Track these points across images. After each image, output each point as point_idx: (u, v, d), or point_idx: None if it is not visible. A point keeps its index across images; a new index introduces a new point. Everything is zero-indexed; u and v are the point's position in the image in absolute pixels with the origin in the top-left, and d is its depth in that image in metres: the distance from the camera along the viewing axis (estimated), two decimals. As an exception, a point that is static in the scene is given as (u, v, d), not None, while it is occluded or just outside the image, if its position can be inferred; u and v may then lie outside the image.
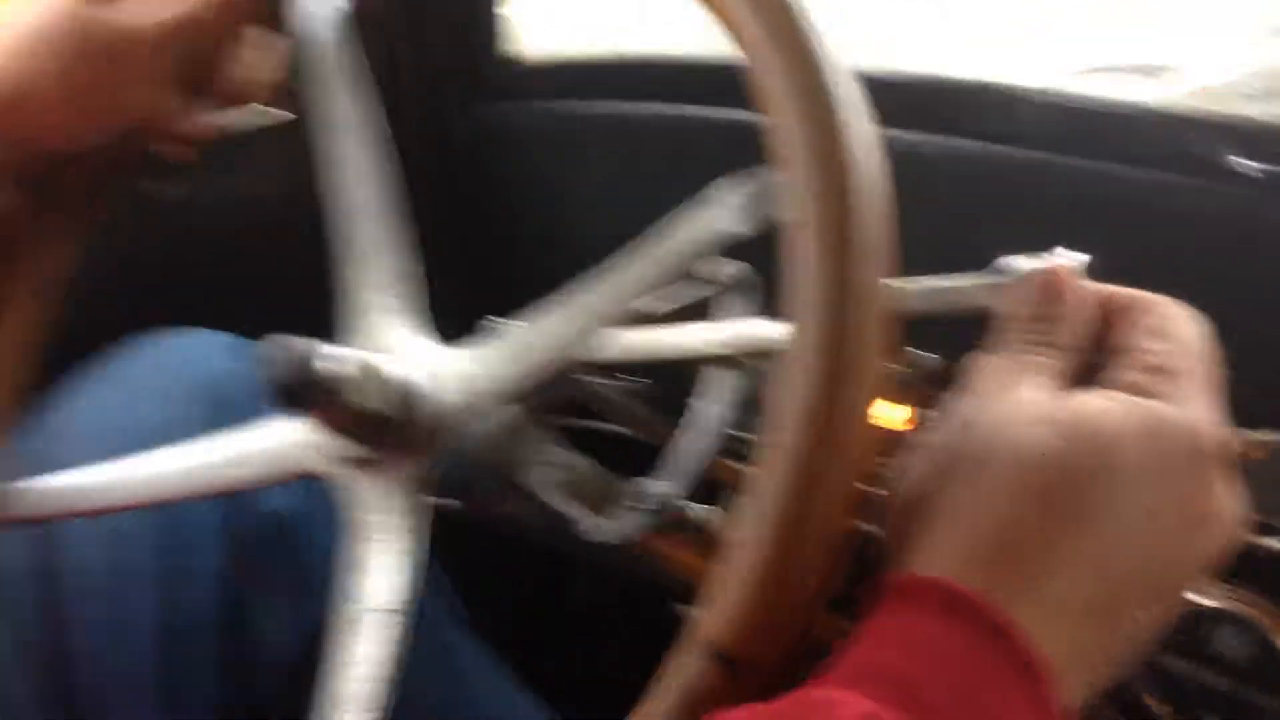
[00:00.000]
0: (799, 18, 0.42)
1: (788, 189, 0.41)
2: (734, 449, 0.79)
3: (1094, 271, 0.61)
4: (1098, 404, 0.39)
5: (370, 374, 0.49)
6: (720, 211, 0.46)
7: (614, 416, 0.67)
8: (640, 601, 0.74)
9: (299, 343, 0.47)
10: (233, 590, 0.72)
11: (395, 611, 0.48)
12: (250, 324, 0.81)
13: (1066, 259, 0.44)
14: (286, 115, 0.82)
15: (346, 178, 0.56)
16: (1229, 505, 0.41)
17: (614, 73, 0.86)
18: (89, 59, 0.55)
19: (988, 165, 0.65)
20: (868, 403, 0.39)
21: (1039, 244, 0.66)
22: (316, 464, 0.52)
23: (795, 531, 0.38)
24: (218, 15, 0.58)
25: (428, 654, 0.80)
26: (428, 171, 0.91)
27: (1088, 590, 0.37)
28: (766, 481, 0.38)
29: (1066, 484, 0.38)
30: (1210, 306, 0.61)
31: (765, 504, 0.38)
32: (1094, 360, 0.42)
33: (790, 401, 0.38)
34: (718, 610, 0.38)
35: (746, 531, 0.38)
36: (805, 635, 0.39)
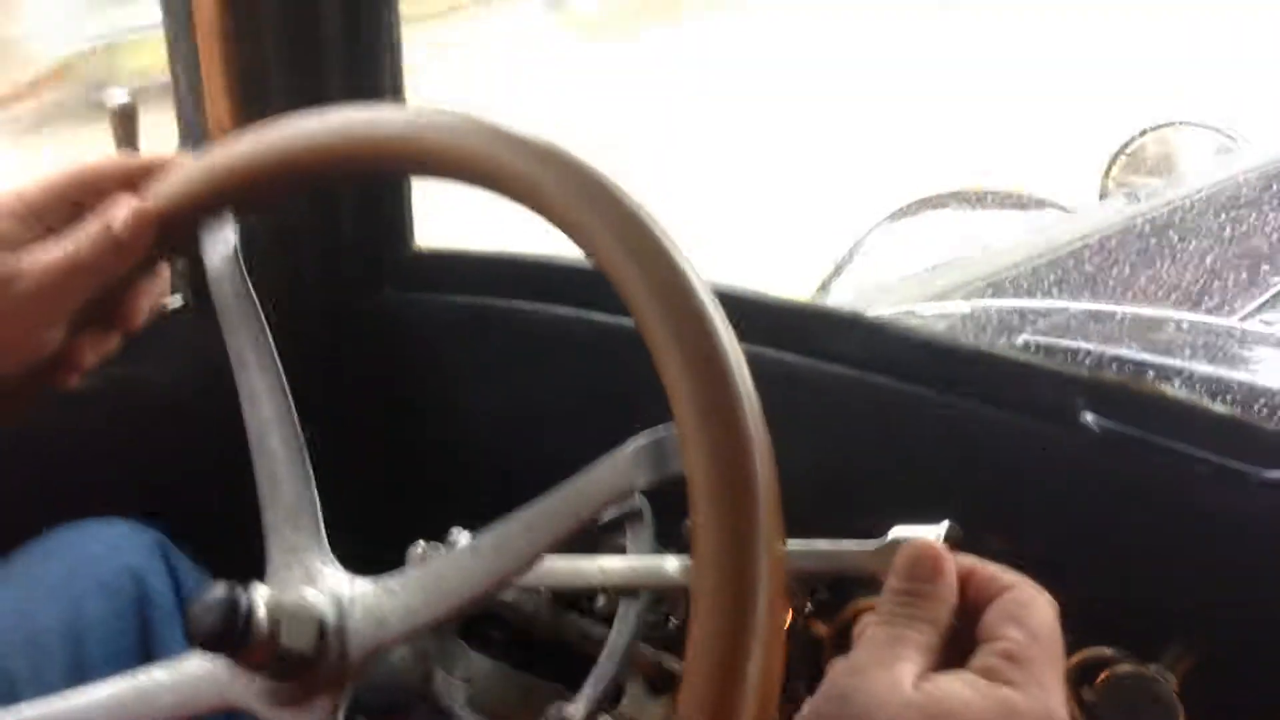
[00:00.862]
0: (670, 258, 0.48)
1: (686, 447, 0.45)
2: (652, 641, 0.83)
3: (955, 505, 0.67)
4: (960, 694, 0.44)
5: (293, 615, 0.52)
6: (623, 467, 0.49)
7: (527, 623, 0.70)
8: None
9: (227, 592, 0.49)
10: None
11: None
12: (164, 510, 0.83)
13: (939, 530, 0.49)
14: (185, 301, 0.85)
15: (255, 413, 0.58)
16: None
17: (518, 271, 0.90)
18: None
19: (860, 392, 0.71)
20: (776, 631, 0.44)
21: (905, 472, 0.73)
22: (239, 699, 0.54)
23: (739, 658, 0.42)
24: (108, 257, 0.60)
25: None
26: (337, 365, 0.93)
27: None
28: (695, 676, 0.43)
29: None
30: (1060, 544, 0.68)
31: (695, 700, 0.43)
32: (956, 626, 0.47)
33: (703, 651, 0.43)
34: (690, 699, 0.42)
35: (697, 651, 0.43)
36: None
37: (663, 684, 0.83)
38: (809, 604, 0.74)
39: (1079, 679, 0.66)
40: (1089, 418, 0.60)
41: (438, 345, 0.94)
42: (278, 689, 0.53)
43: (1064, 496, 0.64)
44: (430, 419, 0.96)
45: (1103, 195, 2.09)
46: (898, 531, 0.49)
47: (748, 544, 0.44)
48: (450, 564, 0.53)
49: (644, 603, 0.63)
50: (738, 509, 0.45)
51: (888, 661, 0.45)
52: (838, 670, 0.46)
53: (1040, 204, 1.95)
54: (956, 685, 0.45)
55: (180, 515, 0.82)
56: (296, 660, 0.52)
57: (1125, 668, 0.62)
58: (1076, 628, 0.66)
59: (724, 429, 0.46)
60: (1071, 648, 0.67)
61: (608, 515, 0.64)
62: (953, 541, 0.50)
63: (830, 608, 0.74)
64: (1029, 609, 0.47)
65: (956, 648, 0.48)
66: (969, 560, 0.49)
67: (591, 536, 0.65)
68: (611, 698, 0.65)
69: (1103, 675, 0.63)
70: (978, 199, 1.97)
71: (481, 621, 0.70)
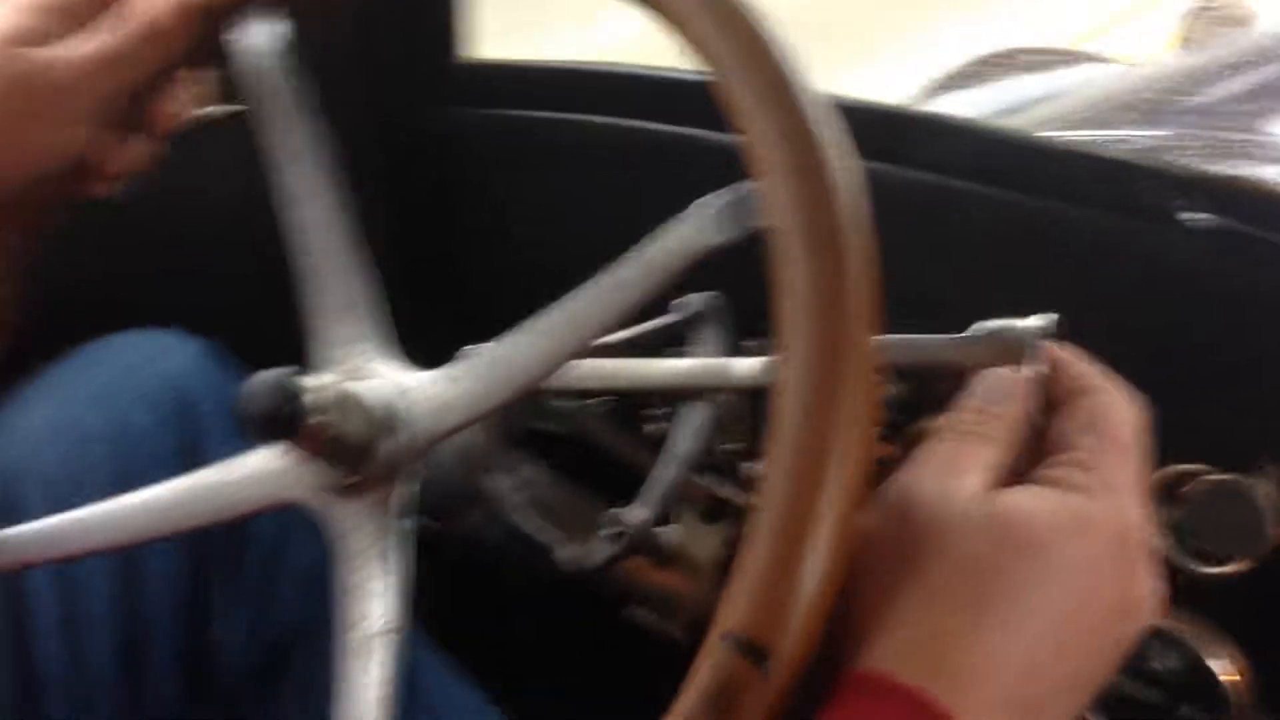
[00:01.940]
0: (765, 36, 0.45)
1: (771, 198, 0.43)
2: (704, 470, 0.82)
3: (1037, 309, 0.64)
4: (1027, 505, 0.42)
5: (349, 401, 0.51)
6: (697, 225, 0.46)
7: (585, 435, 0.69)
8: (609, 613, 0.76)
9: (279, 375, 0.48)
10: (191, 594, 0.73)
11: (394, 631, 0.50)
12: (208, 321, 0.82)
13: (1039, 322, 0.46)
14: (231, 109, 0.83)
15: (301, 210, 0.56)
16: (1148, 590, 0.44)
17: (575, 82, 0.87)
18: (7, 98, 0.55)
19: (937, 198, 0.68)
20: (869, 396, 0.41)
21: (988, 279, 0.70)
22: (297, 493, 0.53)
23: (810, 517, 0.40)
24: (144, 48, 0.58)
25: None
26: (385, 183, 0.91)
27: (1020, 688, 0.41)
28: (776, 474, 0.40)
29: (998, 591, 0.41)
30: (1147, 348, 0.65)
31: (777, 494, 0.40)
32: (1032, 443, 0.45)
33: (788, 405, 0.41)
34: (740, 601, 0.40)
35: (762, 521, 0.40)
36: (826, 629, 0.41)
37: (717, 513, 0.82)
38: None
39: (1166, 495, 0.64)
40: (1190, 215, 0.57)
41: (489, 158, 0.92)
42: (334, 480, 0.52)
43: (1163, 300, 0.61)
44: (481, 235, 0.94)
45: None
46: (996, 322, 0.47)
47: (839, 301, 0.41)
48: (511, 347, 0.51)
49: (708, 410, 0.61)
50: (827, 261, 0.42)
51: (949, 474, 0.44)
52: (895, 484, 0.44)
53: (1105, 60, 1.88)
54: (1023, 497, 0.43)
55: (226, 326, 0.81)
56: (353, 448, 0.51)
57: (1219, 477, 0.60)
58: (1170, 442, 0.64)
59: (813, 178, 0.43)
60: (1162, 463, 0.65)
61: (671, 318, 0.62)
62: (1053, 334, 0.48)
63: (899, 429, 0.73)
64: (1108, 416, 0.45)
65: (1032, 458, 0.46)
66: (1060, 355, 0.47)
67: (660, 344, 0.63)
68: (666, 521, 0.63)
69: (1192, 487, 0.61)
70: (1039, 57, 1.90)
71: (537, 438, 0.68)
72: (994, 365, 0.46)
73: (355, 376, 0.54)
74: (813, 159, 0.43)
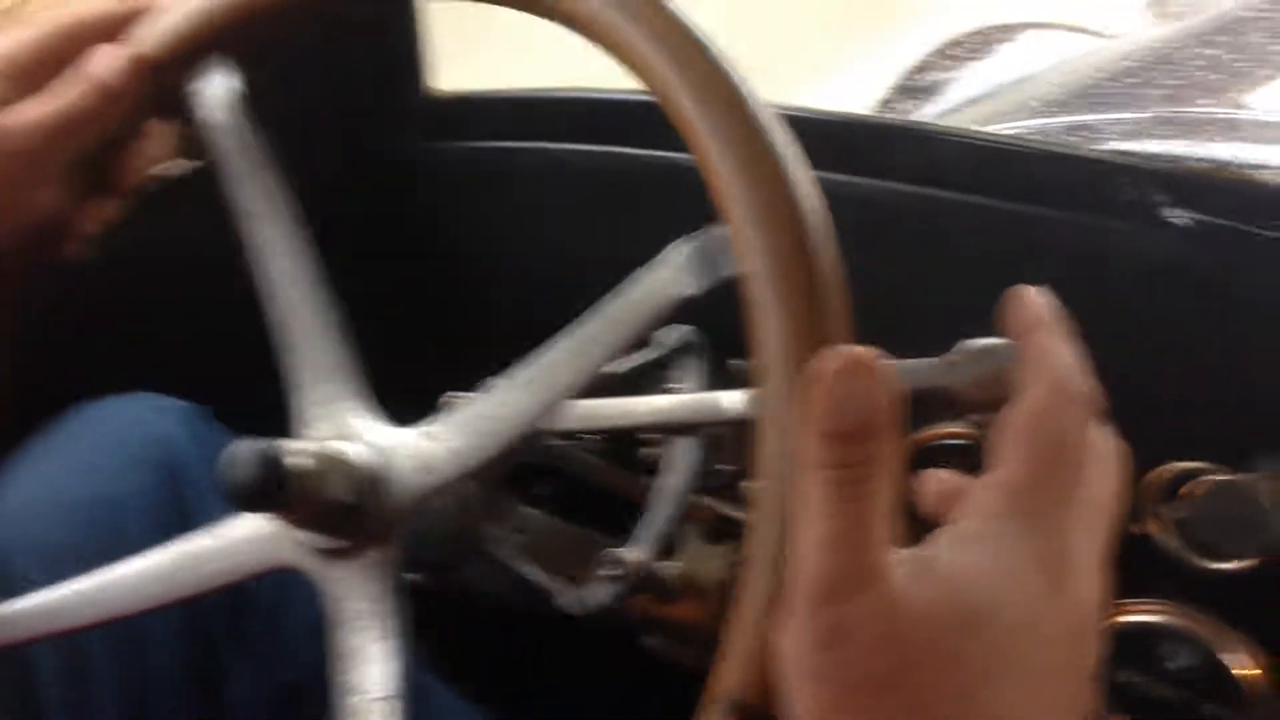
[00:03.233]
0: (715, 58, 0.44)
1: (740, 245, 0.42)
2: (704, 491, 0.81)
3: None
4: (946, 563, 0.37)
5: (333, 466, 0.50)
6: (669, 273, 0.46)
7: (578, 471, 0.68)
8: (621, 642, 0.76)
9: (258, 444, 0.47)
10: (196, 656, 0.72)
11: (394, 697, 0.49)
12: (190, 384, 0.81)
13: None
14: (195, 164, 0.83)
15: (270, 265, 0.56)
16: (1091, 610, 0.39)
17: (547, 109, 0.86)
18: None
19: (913, 208, 0.67)
20: None
21: (969, 290, 0.69)
22: (288, 558, 0.53)
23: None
24: (99, 106, 0.58)
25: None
26: (356, 226, 0.91)
27: None
28: (764, 535, 0.40)
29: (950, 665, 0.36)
30: (1143, 349, 0.65)
31: (765, 557, 0.40)
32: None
33: (771, 456, 0.40)
34: (732, 665, 0.40)
35: (751, 584, 0.40)
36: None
37: (721, 532, 0.82)
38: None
39: (1167, 494, 0.63)
40: (1173, 212, 0.56)
41: (462, 193, 0.91)
42: (327, 544, 0.52)
43: (1149, 301, 0.60)
44: (459, 270, 0.93)
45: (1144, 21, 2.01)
46: (981, 341, 0.46)
47: (814, 344, 0.41)
48: (492, 401, 0.51)
49: (697, 445, 0.60)
50: (800, 305, 0.42)
51: (865, 565, 0.36)
52: (811, 593, 0.36)
53: (1078, 30, 1.87)
54: (952, 553, 0.37)
55: (208, 387, 0.80)
56: (342, 512, 0.51)
57: (1219, 477, 0.59)
58: (1165, 441, 0.64)
59: (782, 223, 0.42)
60: (1157, 461, 0.65)
61: (657, 350, 0.61)
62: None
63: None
64: (1038, 419, 0.39)
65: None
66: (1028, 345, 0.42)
67: (643, 378, 0.63)
68: (669, 548, 0.63)
69: (1195, 486, 0.60)
70: (1007, 33, 1.89)
71: (529, 477, 0.68)
72: (980, 387, 0.45)
73: (337, 438, 0.54)
74: (779, 202, 0.42)
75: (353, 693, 0.49)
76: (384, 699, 0.49)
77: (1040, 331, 0.42)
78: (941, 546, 0.37)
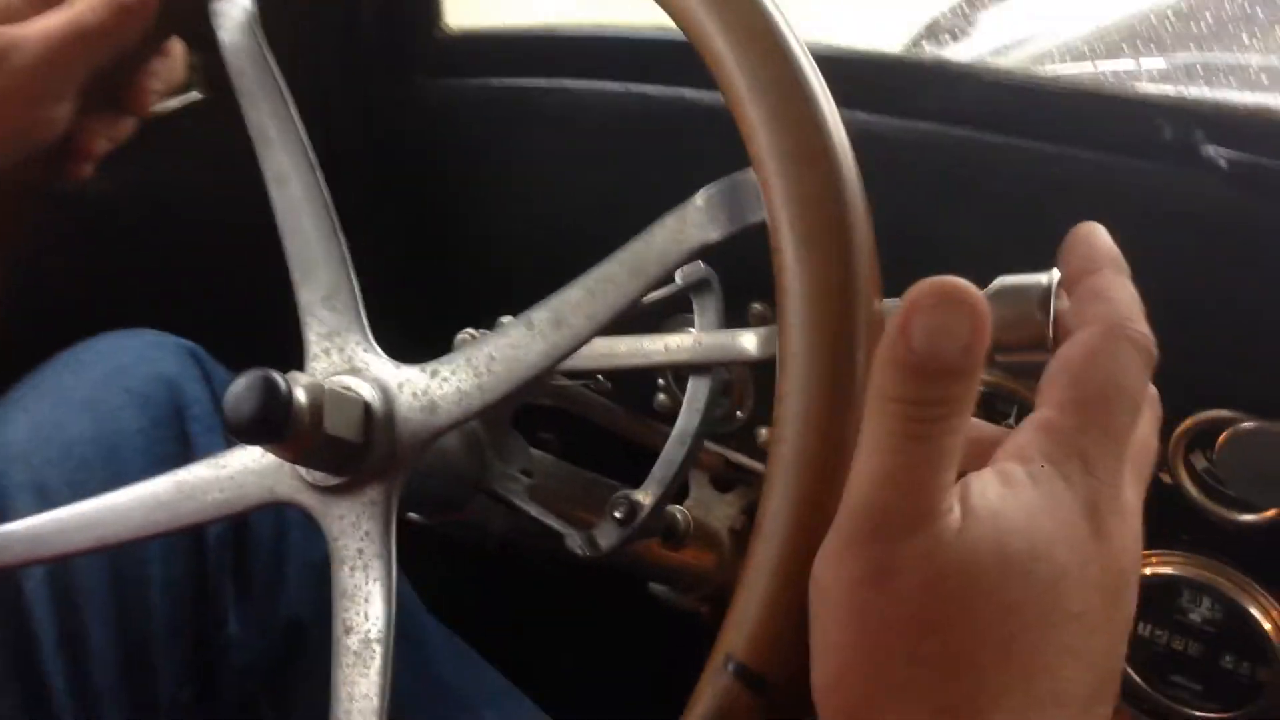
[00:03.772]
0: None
1: (768, 191, 0.41)
2: (717, 438, 0.80)
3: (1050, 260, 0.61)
4: (991, 508, 0.35)
5: (338, 401, 0.49)
6: (692, 220, 0.45)
7: (590, 413, 0.67)
8: (629, 589, 0.75)
9: (265, 375, 0.46)
10: (196, 597, 0.72)
11: (387, 636, 0.49)
12: (191, 320, 0.80)
13: (1046, 278, 0.43)
14: (202, 95, 0.81)
15: (283, 194, 0.55)
16: (1135, 559, 0.38)
17: (563, 46, 0.84)
18: None
19: (946, 148, 0.65)
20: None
21: (1000, 231, 0.68)
22: (287, 493, 0.52)
23: (811, 540, 0.38)
24: (116, 20, 0.57)
25: (399, 637, 0.81)
26: (369, 160, 0.89)
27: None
28: (777, 493, 0.39)
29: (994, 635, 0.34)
30: (1176, 294, 0.63)
31: (778, 516, 0.39)
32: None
33: (791, 409, 0.39)
34: (739, 626, 0.39)
35: (761, 544, 0.39)
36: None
37: (730, 480, 0.81)
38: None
39: (1195, 443, 0.62)
40: (1213, 151, 0.54)
41: (476, 131, 0.89)
42: (326, 480, 0.51)
43: (1182, 244, 0.58)
44: (473, 210, 0.92)
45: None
46: (1002, 281, 0.44)
47: (843, 293, 0.40)
48: (503, 343, 0.50)
49: (712, 386, 0.59)
50: (829, 255, 0.40)
51: (923, 504, 0.34)
52: (863, 524, 0.35)
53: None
54: (1005, 503, 0.35)
55: (215, 323, 0.79)
56: (344, 449, 0.49)
57: (1248, 425, 0.58)
58: (1193, 389, 0.62)
59: (812, 168, 0.41)
60: (1184, 410, 0.63)
61: (672, 287, 0.60)
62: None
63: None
64: (1094, 360, 0.37)
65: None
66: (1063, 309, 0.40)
67: (654, 318, 0.61)
68: (678, 495, 0.62)
69: (1222, 435, 0.59)
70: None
71: (538, 419, 0.67)
72: (1012, 328, 0.43)
73: (345, 372, 0.53)
74: (809, 148, 0.41)
75: (349, 632, 0.48)
76: (381, 638, 0.48)
77: (1100, 270, 0.41)
78: (989, 489, 0.36)
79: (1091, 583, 0.36)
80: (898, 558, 0.34)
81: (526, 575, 0.92)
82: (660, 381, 0.80)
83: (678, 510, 0.63)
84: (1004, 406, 0.67)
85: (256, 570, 0.75)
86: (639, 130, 0.79)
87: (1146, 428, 0.39)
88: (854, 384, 0.39)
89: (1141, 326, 0.39)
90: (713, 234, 0.44)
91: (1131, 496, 0.37)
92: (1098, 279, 0.40)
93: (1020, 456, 0.37)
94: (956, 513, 0.35)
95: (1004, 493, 0.36)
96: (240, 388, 0.46)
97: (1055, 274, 0.43)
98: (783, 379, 0.39)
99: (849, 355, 0.39)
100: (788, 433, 0.39)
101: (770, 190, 0.41)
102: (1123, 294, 0.40)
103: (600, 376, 0.70)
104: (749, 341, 0.54)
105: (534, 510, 0.57)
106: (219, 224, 0.78)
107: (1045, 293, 0.42)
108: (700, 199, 0.45)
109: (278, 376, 0.46)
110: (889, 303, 0.40)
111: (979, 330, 0.35)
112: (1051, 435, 0.36)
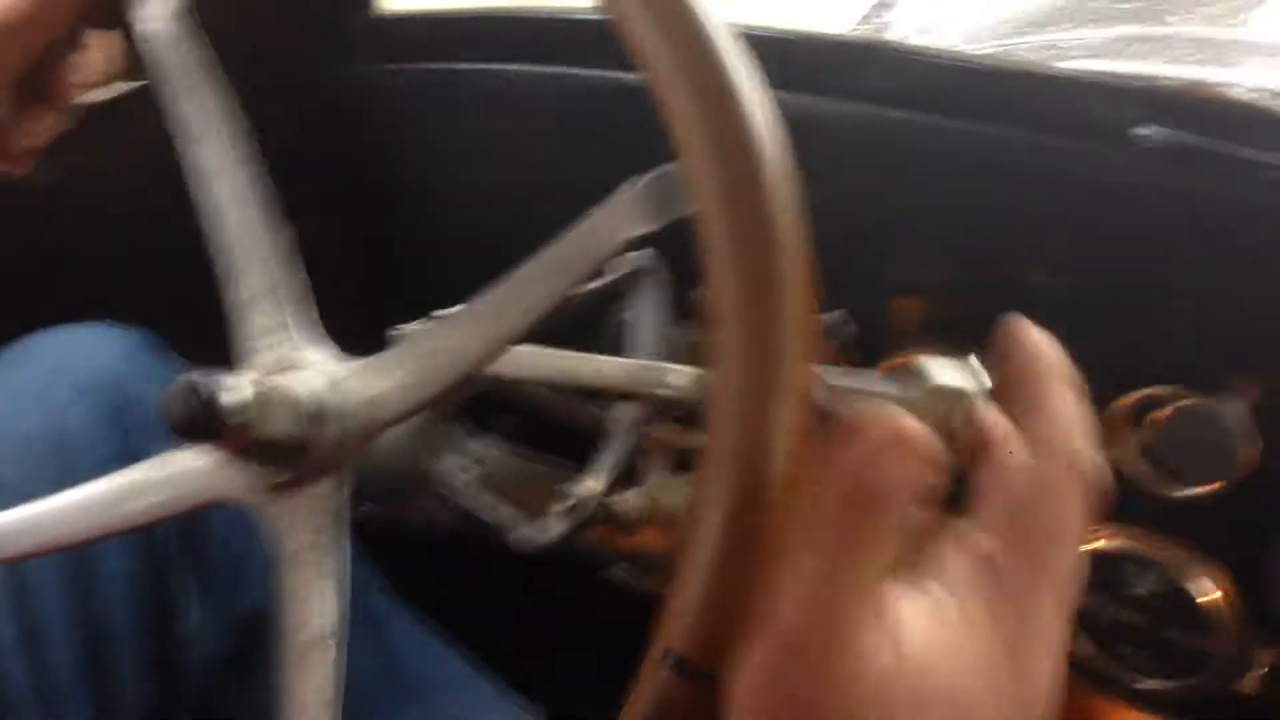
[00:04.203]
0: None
1: (691, 181, 0.41)
2: (667, 420, 0.80)
3: (987, 241, 0.62)
4: (917, 643, 0.34)
5: (275, 398, 0.49)
6: (622, 212, 0.45)
7: (533, 406, 0.67)
8: (589, 573, 0.75)
9: (198, 377, 0.46)
10: (153, 593, 0.72)
11: (336, 635, 0.48)
12: (141, 313, 0.79)
13: (969, 374, 0.42)
14: (135, 84, 0.80)
15: (211, 187, 0.54)
16: (1050, 693, 0.37)
17: (497, 30, 0.82)
18: None
19: (878, 131, 0.65)
20: (802, 391, 0.39)
21: (940, 213, 0.68)
22: (229, 492, 0.51)
23: (746, 531, 0.38)
24: (41, 12, 0.56)
25: (358, 623, 0.80)
26: (302, 152, 0.87)
27: None
28: (712, 485, 0.38)
29: None
30: (1113, 272, 0.64)
31: (712, 507, 0.38)
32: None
33: (723, 403, 0.39)
34: (677, 618, 0.38)
35: (697, 535, 0.38)
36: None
37: (685, 462, 0.81)
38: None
39: (1132, 421, 0.63)
40: (1146, 130, 0.54)
41: (412, 117, 0.88)
42: (268, 478, 0.51)
43: (1119, 223, 0.59)
44: (409, 199, 0.90)
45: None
46: (925, 366, 0.43)
47: (771, 285, 0.40)
48: (443, 335, 0.49)
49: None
50: (758, 245, 0.40)
51: (840, 631, 0.34)
52: (771, 639, 0.35)
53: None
54: (930, 639, 0.35)
55: (162, 317, 0.79)
56: (284, 446, 0.49)
57: (1188, 401, 0.58)
58: (1130, 366, 0.63)
59: (734, 157, 0.40)
60: (1124, 387, 0.64)
61: (613, 275, 0.60)
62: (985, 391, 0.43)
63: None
64: (1043, 496, 0.36)
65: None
66: (997, 422, 0.38)
67: (595, 307, 0.61)
68: (629, 479, 0.62)
69: (1163, 412, 0.59)
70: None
71: (486, 409, 0.67)
72: (935, 419, 0.43)
73: (282, 369, 0.52)
74: (730, 136, 0.40)
75: (293, 632, 0.48)
76: (327, 638, 0.48)
77: (1043, 381, 0.38)
78: (918, 622, 0.35)
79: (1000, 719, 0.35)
80: (817, 692, 0.34)
81: (491, 560, 0.92)
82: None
83: (630, 495, 0.63)
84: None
85: (215, 562, 0.74)
86: (578, 113, 0.79)
87: (1080, 556, 0.38)
88: (782, 380, 0.39)
89: (1090, 453, 0.37)
90: (642, 227, 0.44)
91: (1055, 630, 0.36)
92: (1044, 392, 0.38)
93: (948, 582, 0.36)
94: (882, 645, 0.34)
95: (932, 629, 0.35)
96: (172, 389, 0.45)
97: (985, 382, 0.42)
98: (716, 375, 0.39)
99: (776, 350, 0.39)
100: (720, 429, 0.39)
101: (693, 182, 0.41)
102: (1072, 414, 0.38)
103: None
104: (678, 379, 0.54)
105: (480, 501, 0.57)
106: (167, 213, 0.77)
107: (971, 404, 0.41)
108: (630, 191, 0.44)
109: (209, 378, 0.46)
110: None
111: (926, 474, 0.34)
112: (991, 574, 0.35)
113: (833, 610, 0.34)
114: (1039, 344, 0.40)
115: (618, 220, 0.45)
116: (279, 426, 0.48)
